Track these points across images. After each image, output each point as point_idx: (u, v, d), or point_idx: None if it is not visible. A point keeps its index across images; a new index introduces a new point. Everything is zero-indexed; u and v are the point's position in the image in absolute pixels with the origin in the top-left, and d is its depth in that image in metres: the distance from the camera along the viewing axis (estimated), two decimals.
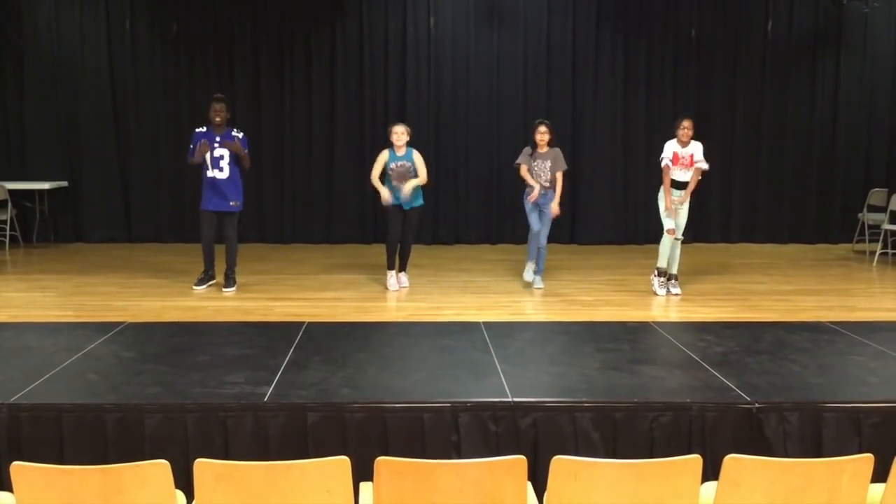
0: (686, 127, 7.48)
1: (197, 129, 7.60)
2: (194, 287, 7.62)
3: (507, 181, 10.44)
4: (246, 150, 7.60)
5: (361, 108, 10.75)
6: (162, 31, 10.57)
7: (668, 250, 7.54)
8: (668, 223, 7.52)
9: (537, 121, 7.91)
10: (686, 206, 7.59)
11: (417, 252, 8.31)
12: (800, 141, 11.07)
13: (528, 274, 7.92)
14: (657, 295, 7.48)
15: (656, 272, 7.61)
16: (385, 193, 7.51)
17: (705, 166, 7.57)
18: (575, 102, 10.89)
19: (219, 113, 7.50)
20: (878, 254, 9.48)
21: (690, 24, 10.83)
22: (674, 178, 7.52)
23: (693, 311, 6.93)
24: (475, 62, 10.75)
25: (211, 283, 7.72)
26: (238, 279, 7.72)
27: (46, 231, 10.56)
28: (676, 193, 7.54)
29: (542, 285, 7.75)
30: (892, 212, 9.44)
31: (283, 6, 10.58)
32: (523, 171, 7.79)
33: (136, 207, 10.81)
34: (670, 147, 7.55)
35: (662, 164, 7.57)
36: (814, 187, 11.13)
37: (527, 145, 7.89)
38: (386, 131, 7.86)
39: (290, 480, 2.88)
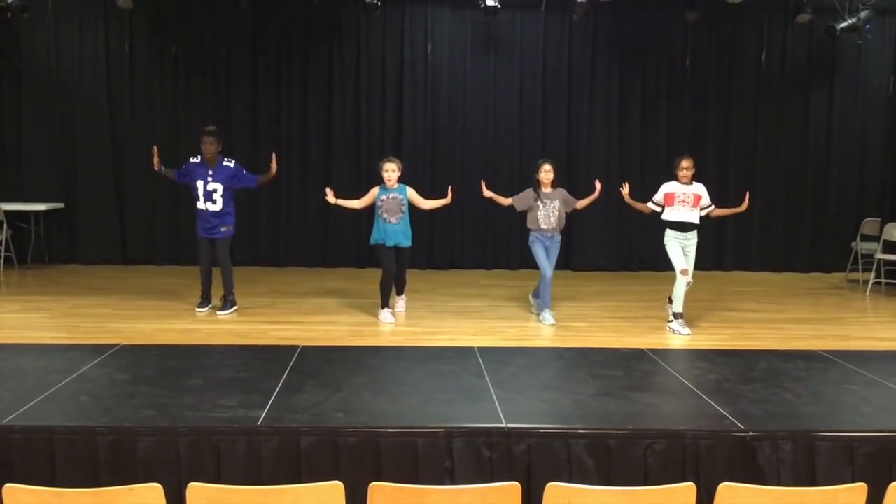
0: (685, 167, 7.16)
1: (192, 159, 7.63)
2: (196, 309, 7.65)
3: (502, 207, 10.47)
4: (244, 171, 7.67)
5: (358, 132, 10.80)
6: (160, 54, 10.63)
7: (683, 293, 7.13)
8: (679, 263, 7.15)
9: (541, 160, 7.67)
10: (695, 241, 7.26)
11: (413, 277, 8.31)
12: (793, 170, 11.15)
13: (549, 317, 7.44)
14: (683, 335, 7.00)
15: (672, 317, 7.19)
16: (332, 198, 7.52)
17: (711, 210, 7.34)
18: (570, 129, 10.96)
19: (209, 148, 7.48)
20: (871, 283, 9.51)
21: (685, 54, 10.93)
22: (675, 219, 7.19)
23: (686, 339, 6.93)
24: (472, 88, 10.83)
25: (209, 306, 7.72)
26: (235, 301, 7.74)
27: (41, 252, 10.55)
28: (680, 236, 7.18)
29: (553, 321, 7.42)
30: (885, 241, 9.48)
31: (281, 30, 10.66)
32: (505, 200, 7.66)
33: (131, 229, 10.82)
34: (665, 188, 7.27)
35: (652, 204, 7.33)
36: (807, 216, 11.19)
37: (522, 172, 7.84)
38: (381, 155, 7.87)
39: None
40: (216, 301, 7.75)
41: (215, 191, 7.52)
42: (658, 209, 7.35)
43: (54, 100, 10.61)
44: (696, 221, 7.25)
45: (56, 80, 10.59)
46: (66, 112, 10.63)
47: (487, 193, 7.72)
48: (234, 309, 7.62)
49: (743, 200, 7.39)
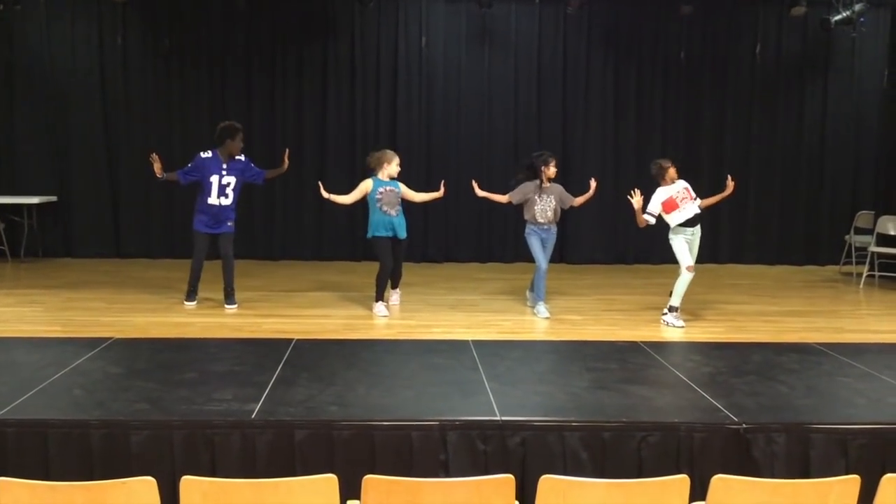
0: (672, 167, 7.13)
1: (202, 154, 7.47)
2: (186, 303, 7.58)
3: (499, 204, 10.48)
4: (253, 165, 7.66)
5: (353, 125, 10.78)
6: (154, 47, 10.59)
7: (686, 288, 7.10)
8: (685, 260, 7.09)
9: (549, 155, 7.60)
10: (699, 232, 7.22)
11: (407, 270, 8.30)
12: (788, 163, 11.16)
13: (543, 310, 7.41)
14: (677, 327, 7.00)
15: (667, 310, 7.17)
16: (325, 192, 7.42)
17: (699, 203, 7.22)
18: (565, 123, 10.95)
19: (241, 144, 7.47)
20: (864, 276, 9.53)
21: (680, 47, 10.93)
22: (686, 217, 7.05)
23: (680, 332, 6.93)
24: (466, 82, 10.82)
25: (197, 299, 7.65)
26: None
27: (35, 246, 10.51)
28: (688, 231, 7.10)
29: (547, 314, 7.39)
30: (878, 234, 9.50)
31: (276, 24, 10.63)
32: (503, 197, 7.64)
33: (125, 223, 10.79)
34: (660, 197, 7.13)
35: (647, 216, 7.11)
36: (801, 209, 11.20)
37: (516, 163, 7.77)
38: (376, 149, 7.85)
39: (277, 498, 2.87)
40: (203, 294, 7.70)
41: (229, 184, 7.45)
42: (653, 220, 7.21)
43: (47, 92, 10.56)
44: (700, 212, 7.18)
45: (49, 73, 10.55)
46: (59, 104, 10.58)
47: (481, 193, 7.71)
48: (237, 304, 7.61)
49: (726, 186, 7.35)
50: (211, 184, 7.42)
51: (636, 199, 7.13)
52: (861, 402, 4.66)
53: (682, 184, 7.22)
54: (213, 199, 7.44)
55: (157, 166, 7.49)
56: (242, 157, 7.57)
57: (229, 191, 7.47)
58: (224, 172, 7.43)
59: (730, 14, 10.88)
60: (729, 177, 7.45)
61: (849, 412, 4.51)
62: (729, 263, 11.09)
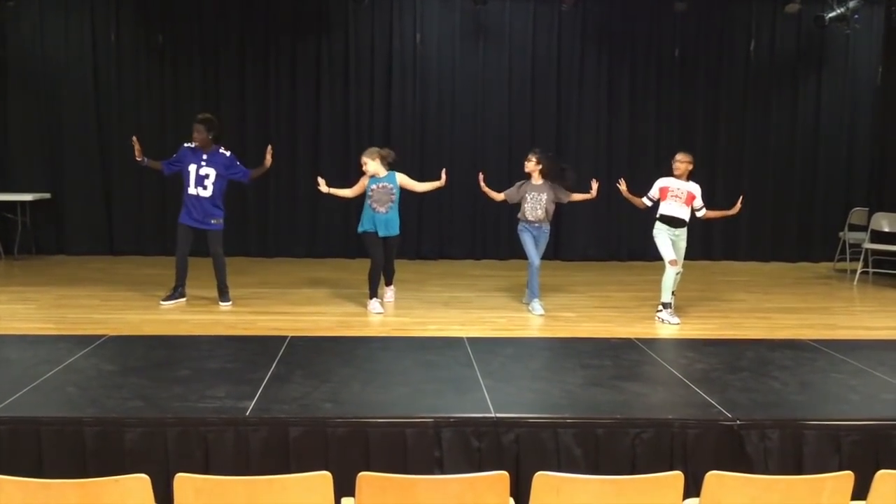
0: (678, 160, 7.13)
1: (185, 144, 7.49)
2: (162, 302, 7.47)
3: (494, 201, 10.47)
4: (238, 163, 7.55)
5: (347, 122, 10.76)
6: (147, 43, 10.56)
7: (672, 283, 7.13)
8: (667, 254, 7.12)
9: (530, 151, 7.65)
10: (685, 236, 7.26)
11: (401, 267, 8.31)
12: (782, 160, 11.17)
13: (538, 307, 7.40)
14: (672, 324, 7.00)
15: (661, 307, 7.13)
16: (325, 187, 7.49)
17: (703, 213, 7.27)
18: (559, 120, 10.95)
19: (196, 136, 7.36)
20: (858, 272, 9.55)
21: (674, 44, 10.93)
22: (665, 212, 7.16)
23: (675, 328, 6.94)
24: (460, 78, 10.80)
25: (180, 300, 7.56)
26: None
27: (28, 243, 10.47)
28: (669, 230, 7.16)
29: (542, 311, 7.39)
30: (872, 231, 9.52)
31: (269, 20, 10.60)
32: (498, 195, 7.66)
33: (119, 220, 10.76)
34: (659, 182, 7.23)
35: (646, 198, 7.31)
36: (795, 206, 11.22)
37: (511, 162, 7.80)
38: (370, 146, 7.84)
39: (271, 495, 2.87)
40: (191, 291, 7.66)
41: (207, 176, 7.39)
42: (650, 204, 7.32)
43: (40, 89, 10.52)
44: (685, 219, 7.20)
45: (42, 69, 10.50)
46: (52, 101, 10.54)
47: (484, 188, 7.72)
48: (231, 301, 7.56)
49: (735, 202, 7.36)
50: (189, 173, 7.38)
51: (622, 187, 7.42)
52: (854, 399, 4.68)
53: (686, 186, 7.19)
54: (191, 190, 7.40)
55: (137, 148, 7.45)
56: (228, 153, 7.51)
57: (208, 182, 7.40)
58: (203, 163, 7.38)
59: (724, 11, 10.88)
60: (741, 197, 7.51)
61: (842, 408, 4.53)
62: (723, 260, 11.11)
